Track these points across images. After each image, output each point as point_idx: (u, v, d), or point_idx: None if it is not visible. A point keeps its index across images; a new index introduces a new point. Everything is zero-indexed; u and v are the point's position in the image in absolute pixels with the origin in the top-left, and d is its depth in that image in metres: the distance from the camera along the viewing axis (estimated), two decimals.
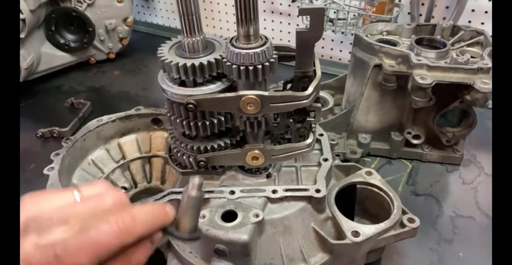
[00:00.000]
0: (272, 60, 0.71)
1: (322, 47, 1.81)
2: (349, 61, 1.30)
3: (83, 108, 1.50)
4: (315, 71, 0.79)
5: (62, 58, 1.76)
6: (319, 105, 0.83)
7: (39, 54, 1.65)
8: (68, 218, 0.43)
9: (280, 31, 1.86)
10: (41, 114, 1.54)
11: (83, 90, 1.71)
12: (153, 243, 0.50)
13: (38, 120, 1.48)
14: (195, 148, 0.83)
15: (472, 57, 1.10)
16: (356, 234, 0.80)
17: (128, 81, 1.78)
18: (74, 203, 0.46)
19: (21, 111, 1.55)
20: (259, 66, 0.70)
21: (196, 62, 0.72)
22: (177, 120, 0.80)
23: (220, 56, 0.74)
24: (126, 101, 1.63)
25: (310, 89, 0.74)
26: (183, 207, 0.55)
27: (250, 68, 0.70)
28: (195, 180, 0.56)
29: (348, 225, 0.81)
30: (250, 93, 0.72)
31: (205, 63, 0.72)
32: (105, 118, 1.07)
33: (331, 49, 1.81)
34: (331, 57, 1.82)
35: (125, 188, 1.08)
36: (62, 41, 1.72)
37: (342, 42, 1.77)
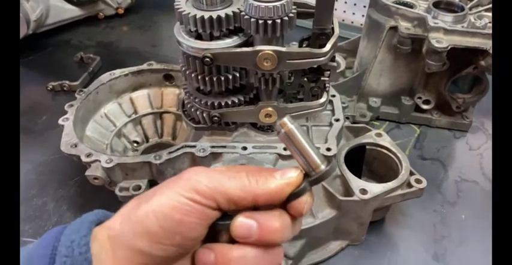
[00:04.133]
0: (291, 15, 0.70)
1: (335, 9, 1.76)
2: (361, 24, 1.28)
3: (93, 62, 1.49)
4: (333, 28, 0.78)
5: (71, 11, 1.73)
6: (334, 64, 0.83)
7: (48, 6, 1.62)
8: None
9: None
10: (51, 68, 1.54)
11: (92, 45, 1.69)
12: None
13: (48, 74, 1.48)
14: (209, 104, 0.83)
15: (490, 22, 1.08)
16: (364, 191, 0.82)
17: (137, 37, 1.76)
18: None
19: (31, 64, 1.55)
20: (278, 21, 0.69)
21: (214, 15, 0.71)
22: (192, 75, 0.80)
23: (238, 9, 0.73)
24: (135, 57, 1.61)
25: (328, 46, 0.73)
26: (296, 148, 0.46)
27: (269, 22, 0.69)
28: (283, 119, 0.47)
29: (356, 183, 0.83)
30: (268, 49, 0.71)
31: (222, 15, 0.71)
32: (117, 72, 1.07)
33: (344, 11, 1.77)
34: (343, 20, 1.79)
35: (136, 142, 1.09)
36: None
37: (355, 4, 1.73)
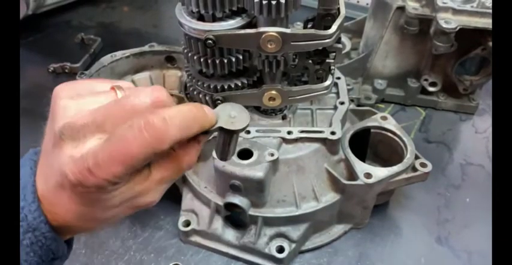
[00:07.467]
0: None
1: None
2: (367, 4, 1.24)
3: (94, 44, 1.47)
4: (338, 9, 0.76)
5: None
6: (340, 46, 0.81)
7: None
8: (104, 123, 0.40)
9: None
10: (51, 49, 1.52)
11: (93, 25, 1.67)
12: (200, 142, 0.45)
13: (48, 55, 1.46)
14: (211, 87, 0.82)
15: None
16: (368, 175, 0.81)
17: (138, 18, 1.73)
18: (113, 104, 0.41)
19: (31, 45, 1.53)
20: (283, 1, 0.67)
21: None
22: (194, 57, 0.78)
23: None
24: (136, 38, 1.58)
25: (334, 28, 0.71)
26: None
27: (273, 2, 0.67)
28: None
29: (360, 167, 0.83)
30: (272, 30, 0.69)
31: None
32: (118, 53, 1.05)
33: None
34: None
35: None
36: None
37: None
